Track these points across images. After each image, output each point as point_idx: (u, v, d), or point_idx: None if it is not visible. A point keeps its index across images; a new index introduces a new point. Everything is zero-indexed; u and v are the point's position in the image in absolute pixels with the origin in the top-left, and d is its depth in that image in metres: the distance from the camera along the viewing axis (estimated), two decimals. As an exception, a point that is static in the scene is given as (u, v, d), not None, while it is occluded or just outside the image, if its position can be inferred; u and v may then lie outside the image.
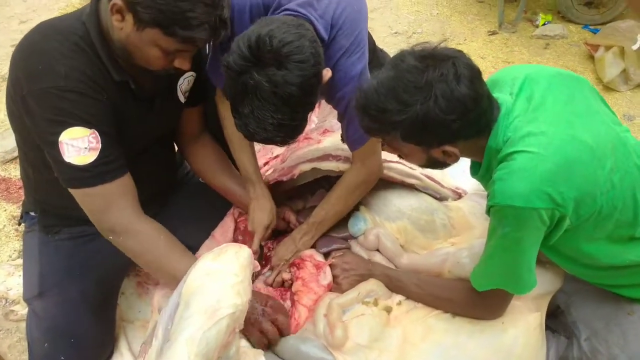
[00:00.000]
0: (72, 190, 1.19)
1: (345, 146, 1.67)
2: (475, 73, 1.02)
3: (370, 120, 1.07)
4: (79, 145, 1.10)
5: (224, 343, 1.02)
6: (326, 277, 1.41)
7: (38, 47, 1.12)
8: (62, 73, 1.09)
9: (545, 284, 1.33)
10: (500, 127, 1.08)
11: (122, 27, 1.08)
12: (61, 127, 1.09)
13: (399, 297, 1.35)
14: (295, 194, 1.72)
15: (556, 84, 1.12)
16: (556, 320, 1.45)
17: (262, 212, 1.47)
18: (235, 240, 1.60)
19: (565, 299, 1.40)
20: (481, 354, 1.20)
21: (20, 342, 1.56)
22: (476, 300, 1.21)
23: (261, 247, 1.56)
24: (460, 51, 1.05)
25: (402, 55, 1.04)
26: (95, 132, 1.12)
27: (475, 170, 1.21)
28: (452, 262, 1.34)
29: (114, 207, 1.19)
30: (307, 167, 1.59)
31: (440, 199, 1.56)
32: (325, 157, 1.60)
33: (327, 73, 1.17)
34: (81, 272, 1.27)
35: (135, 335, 1.57)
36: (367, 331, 1.24)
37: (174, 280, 1.20)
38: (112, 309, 1.51)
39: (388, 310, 1.31)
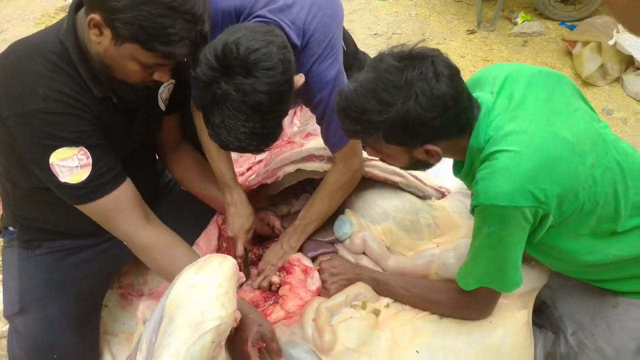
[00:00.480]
0: (80, 207, 1.19)
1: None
2: (454, 71, 1.03)
3: (351, 123, 1.06)
4: (69, 164, 1.10)
5: (209, 357, 1.00)
6: (314, 282, 1.40)
7: (15, 69, 1.09)
8: (41, 95, 1.07)
9: (531, 280, 1.33)
10: (481, 126, 1.08)
11: (99, 42, 1.06)
12: (48, 150, 1.09)
13: (387, 300, 1.35)
14: (280, 198, 1.70)
15: (536, 82, 1.13)
16: (542, 315, 1.46)
17: (241, 217, 1.46)
18: (219, 246, 1.58)
19: (551, 294, 1.41)
20: (470, 354, 1.20)
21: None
22: (463, 300, 1.21)
23: (246, 251, 1.55)
24: (438, 50, 1.05)
25: (381, 57, 1.04)
26: (83, 148, 1.11)
27: (457, 170, 1.21)
28: (438, 263, 1.34)
29: (121, 216, 1.20)
30: (291, 168, 1.58)
31: (424, 197, 1.55)
32: (309, 157, 1.59)
33: (299, 79, 1.17)
34: (62, 286, 1.24)
35: (120, 349, 1.55)
36: (355, 334, 1.23)
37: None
38: (95, 323, 1.49)
39: (376, 313, 1.30)
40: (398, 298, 1.33)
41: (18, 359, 1.34)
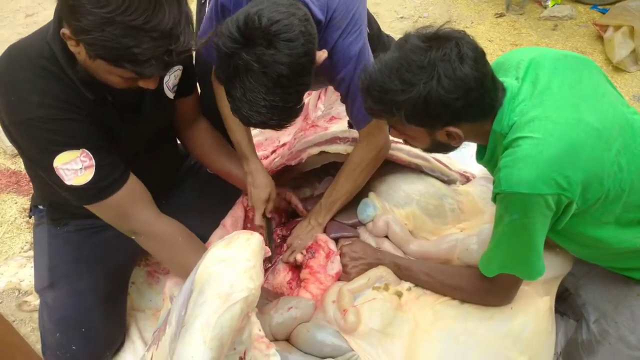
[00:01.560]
0: (89, 207, 1.21)
1: (353, 130, 1.66)
2: (479, 54, 1.02)
3: (374, 102, 1.07)
4: (73, 167, 1.11)
5: (238, 327, 1.03)
6: (334, 267, 1.41)
7: (7, 79, 1.10)
8: (36, 103, 1.07)
9: (555, 267, 1.33)
10: (505, 111, 1.07)
11: (78, 52, 1.03)
12: (50, 155, 1.10)
13: (408, 284, 1.36)
14: (303, 181, 1.72)
15: (562, 67, 1.11)
16: (565, 302, 1.45)
17: (257, 187, 1.47)
18: (245, 228, 1.60)
19: (574, 281, 1.40)
20: (491, 339, 1.21)
21: (33, 332, 1.59)
22: (485, 286, 1.21)
23: (269, 221, 1.56)
24: (464, 32, 1.04)
25: (406, 37, 1.04)
26: (85, 150, 1.11)
27: (480, 155, 1.21)
28: (461, 248, 1.34)
29: (130, 214, 1.22)
30: (314, 150, 1.59)
31: (448, 182, 1.55)
32: (333, 139, 1.60)
33: (322, 55, 1.16)
34: (90, 263, 1.28)
35: (147, 324, 1.60)
36: (379, 315, 1.25)
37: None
38: (123, 300, 1.53)
39: (399, 295, 1.31)
40: (420, 283, 1.34)
41: (48, 331, 1.39)
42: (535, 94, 1.07)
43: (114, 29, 0.93)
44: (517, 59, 1.15)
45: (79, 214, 1.35)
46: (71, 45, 1.02)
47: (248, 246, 1.11)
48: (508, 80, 1.10)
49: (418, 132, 1.10)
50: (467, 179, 1.58)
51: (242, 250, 1.10)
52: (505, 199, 1.05)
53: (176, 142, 1.61)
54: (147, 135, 1.34)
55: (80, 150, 1.11)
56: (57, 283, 1.38)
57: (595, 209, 1.08)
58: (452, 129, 1.06)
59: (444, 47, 0.99)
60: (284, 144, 2.15)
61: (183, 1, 1.00)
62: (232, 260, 1.07)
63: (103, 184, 1.16)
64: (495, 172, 1.08)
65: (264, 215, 1.51)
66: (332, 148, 1.54)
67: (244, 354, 1.13)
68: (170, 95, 1.35)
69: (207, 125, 1.54)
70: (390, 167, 1.50)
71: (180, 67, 1.33)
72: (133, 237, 1.25)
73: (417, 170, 1.51)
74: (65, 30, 0.99)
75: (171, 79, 1.33)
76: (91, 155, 1.12)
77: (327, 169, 1.69)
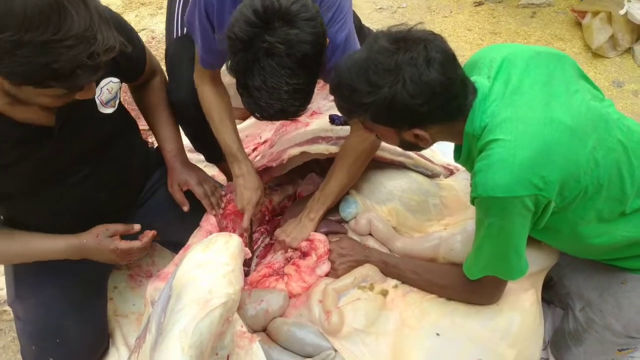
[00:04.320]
0: None
1: (335, 127, 1.64)
2: (447, 57, 1.00)
3: (342, 100, 1.06)
4: None
5: (218, 333, 1.01)
6: (324, 268, 1.39)
7: None
8: None
9: (540, 261, 1.33)
10: (476, 113, 1.06)
11: (1, 82, 0.95)
12: None
13: (394, 281, 1.35)
14: (285, 179, 1.69)
15: (534, 64, 1.10)
16: (551, 291, 1.46)
17: (249, 190, 1.45)
18: (220, 225, 1.57)
19: (558, 270, 1.41)
20: (479, 334, 1.20)
21: (14, 342, 1.56)
22: (471, 287, 1.21)
23: (251, 224, 1.53)
24: (435, 34, 1.02)
25: (376, 36, 1.02)
26: None
27: (457, 155, 1.20)
28: (445, 248, 1.34)
29: None
30: (296, 151, 1.56)
31: (432, 176, 1.54)
32: (315, 139, 1.57)
33: None
34: (56, 271, 1.24)
35: (131, 329, 1.57)
36: (363, 315, 1.23)
37: (15, 259, 1.31)
38: (100, 305, 1.50)
39: (384, 293, 1.30)
40: (407, 281, 1.33)
41: (24, 345, 1.36)
42: (506, 94, 1.05)
43: (24, 51, 0.85)
44: (490, 57, 1.13)
45: (38, 226, 1.30)
46: None
47: (227, 249, 1.09)
48: (479, 80, 1.09)
49: (386, 131, 1.09)
50: (450, 172, 1.57)
51: (220, 254, 1.07)
52: (483, 203, 1.04)
53: (140, 145, 1.55)
54: (69, 157, 1.24)
55: None
56: (24, 295, 1.34)
57: (575, 205, 1.08)
58: (418, 131, 1.05)
59: (412, 50, 0.97)
60: (264, 141, 2.12)
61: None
62: (210, 264, 1.05)
63: None
64: (471, 175, 1.07)
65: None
66: (314, 148, 1.51)
67: (227, 358, 1.11)
68: (107, 110, 1.26)
69: (157, 83, 1.50)
70: (372, 164, 1.48)
71: (111, 79, 1.25)
72: None
73: (400, 166, 1.49)
74: None
75: (103, 93, 1.24)
76: None
77: (309, 164, 1.67)
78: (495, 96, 1.05)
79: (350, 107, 1.05)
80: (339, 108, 1.10)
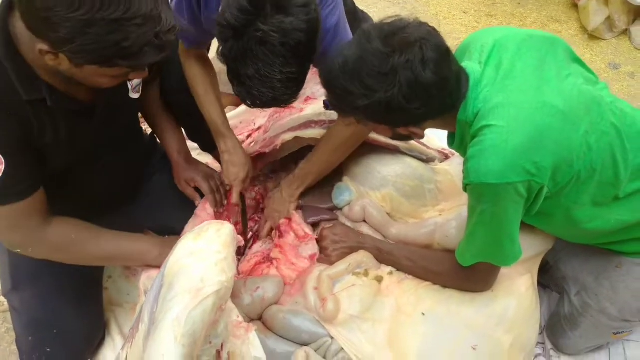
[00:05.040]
0: None
1: (329, 112, 1.62)
2: (443, 55, 0.98)
3: (335, 99, 1.04)
4: None
5: (211, 322, 1.00)
6: (307, 249, 1.39)
7: None
8: None
9: (535, 245, 1.32)
10: (469, 99, 1.05)
11: (59, 64, 0.96)
12: None
13: (389, 268, 1.34)
14: (279, 166, 1.68)
15: (526, 48, 1.09)
16: (547, 275, 1.46)
17: (235, 165, 1.44)
18: (215, 214, 1.56)
19: (554, 254, 1.41)
20: (475, 320, 1.20)
21: (8, 333, 1.55)
22: (465, 274, 1.21)
23: (243, 198, 1.54)
24: (430, 31, 1.00)
25: (368, 34, 0.99)
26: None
27: (451, 141, 1.19)
28: (440, 234, 1.33)
29: (21, 227, 1.14)
30: (289, 136, 1.54)
31: (427, 160, 1.53)
32: (307, 124, 1.55)
33: None
34: (52, 263, 1.22)
35: (126, 319, 1.56)
36: (358, 302, 1.23)
37: (106, 261, 1.36)
38: (96, 295, 1.49)
39: (379, 280, 1.30)
40: (402, 268, 1.33)
41: (20, 336, 1.35)
42: (498, 79, 1.04)
43: (97, 29, 0.87)
44: (482, 42, 1.12)
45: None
46: (51, 60, 0.95)
47: (219, 237, 1.08)
48: (471, 66, 1.07)
49: (380, 127, 1.09)
50: (445, 157, 1.56)
51: (212, 242, 1.06)
52: (475, 190, 1.04)
53: (142, 139, 1.56)
54: (103, 138, 1.26)
55: None
56: (20, 285, 1.33)
57: (568, 190, 1.07)
58: (412, 128, 1.05)
59: (407, 52, 0.94)
60: (259, 128, 2.10)
61: None
62: (202, 252, 1.04)
63: (5, 192, 1.07)
64: (464, 162, 1.06)
65: (240, 194, 1.48)
66: (307, 133, 1.50)
67: (221, 346, 1.10)
68: (135, 95, 1.28)
69: (154, 93, 1.50)
70: (365, 149, 1.47)
71: None
72: (18, 251, 1.18)
73: (393, 151, 1.47)
74: (42, 46, 0.92)
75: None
76: (2, 160, 1.03)
77: (303, 152, 1.65)
78: (487, 81, 1.04)
79: (344, 108, 1.04)
80: (332, 105, 1.08)
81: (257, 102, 1.10)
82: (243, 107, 2.18)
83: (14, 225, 1.13)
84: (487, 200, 1.03)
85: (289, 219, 1.47)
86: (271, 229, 1.50)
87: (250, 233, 1.61)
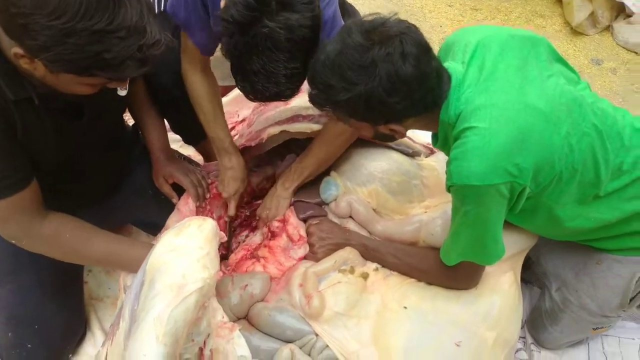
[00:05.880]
0: None
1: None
2: (423, 50, 0.97)
3: (317, 94, 1.03)
4: None
5: (193, 319, 0.98)
6: (299, 252, 1.38)
7: None
8: None
9: (519, 242, 1.33)
10: (451, 100, 1.04)
11: (34, 68, 0.92)
12: None
13: (375, 264, 1.34)
14: (264, 160, 1.66)
15: (509, 48, 1.09)
16: (528, 270, 1.47)
17: (237, 181, 1.48)
18: (198, 208, 1.54)
19: (536, 250, 1.42)
20: (460, 317, 1.21)
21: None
22: (450, 272, 1.21)
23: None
24: (409, 26, 0.99)
25: (349, 29, 0.99)
26: None
27: (435, 141, 1.20)
28: (426, 232, 1.33)
29: (13, 219, 1.11)
30: (275, 130, 1.52)
31: (413, 154, 1.52)
32: (295, 118, 1.53)
33: None
34: (32, 256, 1.19)
35: (106, 313, 1.55)
36: (344, 299, 1.22)
37: (99, 263, 1.36)
38: (77, 290, 1.47)
39: (365, 276, 1.29)
40: (387, 265, 1.33)
41: (1, 331, 1.32)
42: (480, 80, 1.04)
43: (77, 38, 0.83)
44: (465, 41, 1.12)
45: None
46: (25, 64, 0.91)
47: (200, 232, 1.06)
48: (453, 66, 1.07)
49: (361, 124, 1.08)
50: (431, 151, 1.55)
51: (194, 238, 1.04)
52: (459, 191, 1.04)
53: (126, 130, 1.53)
54: (91, 136, 1.24)
55: None
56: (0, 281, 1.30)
57: (550, 190, 1.08)
58: (394, 126, 1.04)
59: (387, 45, 0.94)
60: (243, 120, 2.07)
61: None
62: (184, 248, 1.02)
63: None
64: (447, 163, 1.06)
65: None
66: (294, 127, 1.48)
67: (204, 343, 1.09)
68: (123, 92, 1.24)
69: (140, 85, 1.47)
70: (353, 144, 1.45)
71: None
72: (13, 242, 1.15)
73: (380, 145, 1.46)
74: (17, 50, 0.88)
75: None
76: None
77: (288, 145, 1.63)
78: (470, 82, 1.04)
79: (325, 102, 1.03)
80: (313, 101, 1.07)
81: (260, 96, 1.11)
82: (227, 98, 2.15)
83: (6, 217, 1.10)
84: (470, 201, 1.03)
85: (283, 221, 1.45)
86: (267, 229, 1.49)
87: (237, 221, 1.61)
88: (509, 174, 0.98)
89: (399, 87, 0.95)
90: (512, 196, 1.03)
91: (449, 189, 1.06)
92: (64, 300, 1.39)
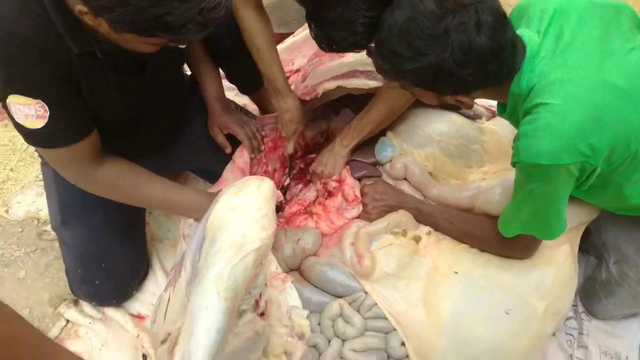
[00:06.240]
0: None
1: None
2: (499, 19, 0.91)
3: (383, 61, 0.98)
4: (25, 111, 1.04)
5: (252, 276, 1.03)
6: (353, 212, 1.38)
7: None
8: (3, 36, 0.98)
9: (580, 216, 1.29)
10: (524, 72, 0.98)
11: (99, 24, 0.94)
12: (7, 91, 1.02)
13: (428, 228, 1.33)
14: (319, 114, 1.64)
15: (589, 16, 1.00)
16: (586, 240, 1.43)
17: (295, 123, 1.48)
18: (253, 160, 1.55)
19: (596, 221, 1.37)
20: (511, 284, 1.20)
21: (56, 261, 1.63)
22: (506, 242, 1.19)
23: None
24: None
25: None
26: (41, 102, 1.03)
27: (501, 110, 1.13)
28: (483, 199, 1.29)
29: (71, 166, 1.17)
30: (331, 85, 1.49)
31: (474, 117, 1.47)
32: (352, 73, 1.49)
33: None
34: (99, 201, 1.26)
35: (167, 254, 1.63)
36: (395, 261, 1.23)
37: (153, 206, 1.41)
38: (141, 231, 1.55)
39: (417, 240, 1.29)
40: (441, 230, 1.32)
41: (70, 267, 1.44)
42: (557, 52, 0.97)
43: (139, 1, 0.85)
44: (541, 6, 1.03)
45: None
46: (88, 20, 0.93)
47: (259, 193, 1.08)
48: (529, 35, 1.00)
49: (426, 93, 1.03)
50: (493, 114, 1.49)
51: (253, 198, 1.07)
52: (525, 169, 1.00)
53: (184, 80, 1.54)
54: (153, 90, 1.26)
55: (36, 101, 1.03)
56: (70, 221, 1.38)
57: (622, 169, 1.03)
58: (461, 97, 1.00)
59: (461, 14, 0.88)
60: (297, 70, 2.05)
61: None
62: (244, 208, 1.05)
63: (52, 137, 1.09)
64: (514, 138, 1.01)
65: None
66: (351, 82, 1.44)
67: (260, 295, 1.14)
68: (183, 45, 1.26)
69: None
70: (412, 104, 1.41)
71: None
72: (72, 183, 1.22)
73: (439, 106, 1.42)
74: (81, 8, 0.90)
75: None
76: (47, 108, 1.04)
77: (342, 100, 1.61)
78: (545, 53, 0.97)
79: (390, 69, 0.98)
80: (377, 68, 1.03)
81: (334, 46, 1.09)
82: (281, 46, 2.12)
83: (64, 164, 1.17)
84: (536, 179, 0.99)
85: (340, 181, 1.45)
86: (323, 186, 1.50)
87: (288, 179, 1.62)
88: (581, 154, 0.93)
89: (471, 59, 0.90)
90: (582, 175, 0.99)
91: (514, 164, 1.02)
92: (130, 240, 1.47)
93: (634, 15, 1.06)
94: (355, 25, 1.01)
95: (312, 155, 1.62)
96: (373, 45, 1.03)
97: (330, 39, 1.07)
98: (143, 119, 1.31)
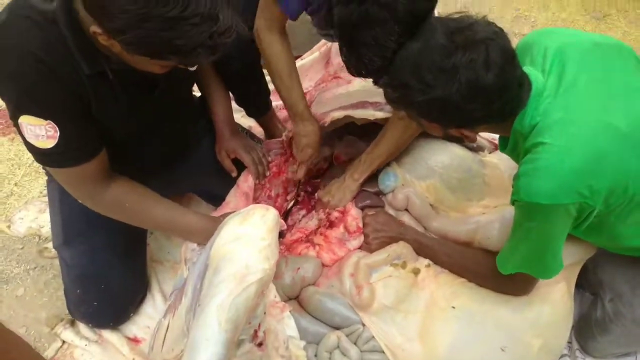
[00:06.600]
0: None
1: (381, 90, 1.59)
2: (508, 58, 0.93)
3: (392, 90, 1.01)
4: (36, 131, 1.05)
5: (253, 306, 1.04)
6: (355, 244, 1.40)
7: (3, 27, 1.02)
8: (15, 57, 1.00)
9: (577, 254, 1.30)
10: (528, 109, 1.00)
11: (112, 45, 0.96)
12: (19, 111, 1.04)
13: (427, 260, 1.35)
14: (323, 140, 1.66)
15: (592, 57, 1.02)
16: (583, 276, 1.44)
17: (311, 148, 1.49)
18: (257, 185, 1.57)
19: (592, 258, 1.38)
20: (507, 321, 1.21)
21: (55, 279, 1.63)
22: (504, 279, 1.20)
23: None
24: (497, 31, 0.94)
25: (433, 27, 0.95)
26: (51, 122, 1.05)
27: (503, 146, 1.15)
28: (482, 234, 1.31)
29: (79, 186, 1.19)
30: (339, 114, 1.52)
31: (476, 149, 1.49)
32: (361, 104, 1.51)
33: None
34: (103, 219, 1.27)
35: (166, 277, 1.62)
36: (393, 293, 1.25)
37: (157, 228, 1.44)
38: (141, 254, 1.55)
39: (416, 272, 1.31)
40: (440, 264, 1.33)
41: (69, 288, 1.43)
42: (560, 92, 0.99)
43: (151, 24, 0.87)
44: (545, 44, 1.06)
45: None
46: (102, 40, 0.95)
47: (264, 223, 1.10)
48: (534, 74, 1.02)
49: (431, 125, 1.05)
50: (495, 147, 1.52)
51: (257, 228, 1.08)
52: (524, 208, 1.02)
53: (193, 101, 1.56)
54: (163, 109, 1.28)
55: (47, 121, 1.05)
56: (71, 241, 1.39)
57: (619, 210, 1.04)
58: (466, 131, 1.02)
59: (471, 51, 0.90)
60: (305, 93, 2.07)
61: None
62: (247, 238, 1.06)
63: (61, 156, 1.10)
64: (514, 176, 1.03)
65: None
66: (359, 113, 1.47)
67: (259, 326, 1.15)
68: (193, 67, 1.29)
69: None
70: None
71: None
72: (79, 201, 1.24)
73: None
74: (96, 29, 0.92)
75: None
76: (57, 128, 1.05)
77: (348, 127, 1.63)
78: (549, 92, 0.99)
79: (399, 100, 1.01)
80: (387, 98, 1.05)
81: (364, 70, 1.09)
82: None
83: (72, 184, 1.19)
84: (534, 218, 1.01)
85: (343, 212, 1.47)
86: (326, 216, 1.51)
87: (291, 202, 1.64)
88: (580, 195, 0.95)
89: (478, 95, 0.92)
90: (580, 216, 1.01)
91: (513, 202, 1.04)
92: (130, 263, 1.47)
93: (635, 55, 1.08)
94: (387, 50, 1.01)
95: (316, 180, 1.64)
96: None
97: (360, 62, 1.07)
98: (151, 138, 1.32)
